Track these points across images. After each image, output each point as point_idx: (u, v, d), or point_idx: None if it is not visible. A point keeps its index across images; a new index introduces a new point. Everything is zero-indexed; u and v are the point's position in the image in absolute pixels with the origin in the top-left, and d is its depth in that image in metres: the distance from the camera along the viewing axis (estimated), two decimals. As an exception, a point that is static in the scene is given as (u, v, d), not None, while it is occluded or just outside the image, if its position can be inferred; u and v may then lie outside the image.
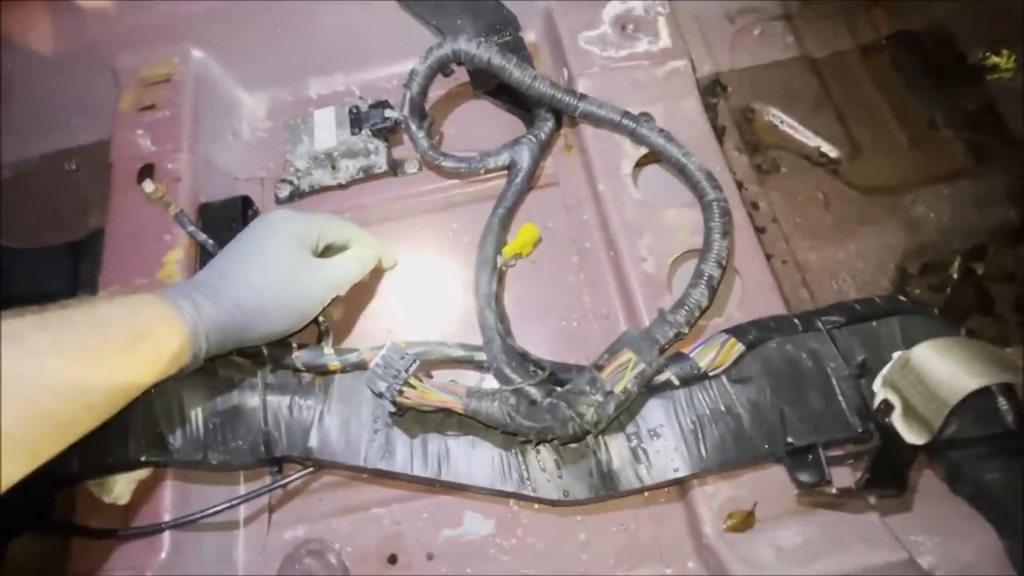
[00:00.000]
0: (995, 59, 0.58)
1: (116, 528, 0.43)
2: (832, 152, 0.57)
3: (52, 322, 0.31)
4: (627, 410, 0.43)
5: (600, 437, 0.43)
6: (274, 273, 0.41)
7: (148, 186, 0.54)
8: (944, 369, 0.39)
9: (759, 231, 0.54)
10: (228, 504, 0.45)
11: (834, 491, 0.39)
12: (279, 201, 0.60)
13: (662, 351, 0.43)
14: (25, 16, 0.61)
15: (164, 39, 0.61)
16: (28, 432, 0.29)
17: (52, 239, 0.63)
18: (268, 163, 0.63)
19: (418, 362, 0.41)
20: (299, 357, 0.46)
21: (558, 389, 0.43)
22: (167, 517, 0.44)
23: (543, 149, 0.57)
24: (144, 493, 0.44)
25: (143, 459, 0.42)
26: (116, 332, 0.33)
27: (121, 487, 0.43)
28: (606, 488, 0.42)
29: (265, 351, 0.45)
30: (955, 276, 0.51)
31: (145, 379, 0.34)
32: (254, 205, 0.58)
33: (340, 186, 0.60)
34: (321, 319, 0.49)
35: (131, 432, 0.42)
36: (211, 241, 0.53)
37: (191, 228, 0.53)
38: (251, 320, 0.40)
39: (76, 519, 0.44)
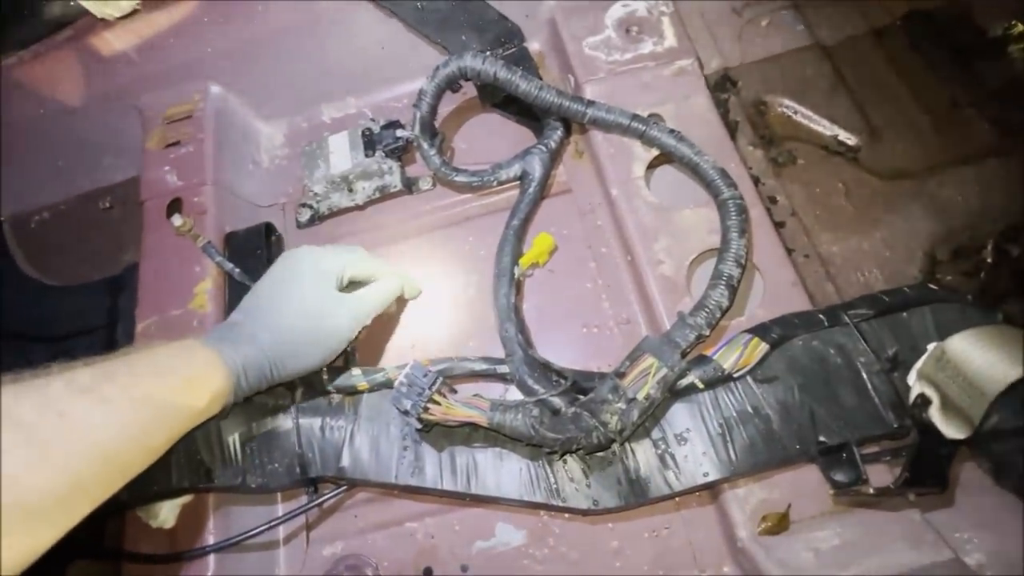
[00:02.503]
0: (1022, 28, 0.55)
1: (164, 553, 0.45)
2: (850, 140, 0.56)
3: (119, 372, 0.34)
4: (652, 416, 0.42)
5: (627, 444, 0.43)
6: (301, 313, 0.43)
7: (177, 220, 0.57)
8: (982, 359, 0.37)
9: (778, 226, 0.53)
10: (268, 525, 0.46)
11: (871, 490, 0.38)
12: (300, 225, 0.62)
13: (684, 354, 0.43)
14: (54, 65, 0.65)
15: (184, 78, 0.63)
16: (96, 476, 0.31)
17: (91, 275, 0.66)
18: (287, 189, 0.65)
19: (441, 379, 0.42)
20: (328, 379, 0.47)
21: (581, 398, 0.43)
22: (211, 540, 0.45)
23: (554, 158, 0.58)
24: (188, 517, 0.46)
25: (186, 485, 0.44)
26: (173, 378, 0.36)
27: (166, 512, 0.45)
28: (635, 495, 0.42)
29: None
30: (988, 260, 0.49)
31: (195, 420, 0.37)
32: (277, 231, 0.60)
33: (358, 207, 0.61)
34: (347, 340, 0.50)
35: (174, 461, 0.44)
36: (237, 270, 0.55)
37: (218, 258, 0.55)
38: (283, 358, 0.41)
39: (126, 544, 0.46)
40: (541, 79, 0.55)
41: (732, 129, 0.58)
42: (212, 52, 0.63)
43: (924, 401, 0.38)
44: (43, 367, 0.32)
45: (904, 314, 0.43)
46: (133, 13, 0.63)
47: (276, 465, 0.46)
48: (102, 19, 0.62)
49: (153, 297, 0.55)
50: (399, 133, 0.58)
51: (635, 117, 0.52)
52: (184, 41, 0.64)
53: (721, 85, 0.60)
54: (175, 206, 0.59)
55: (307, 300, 0.44)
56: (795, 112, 0.58)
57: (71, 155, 0.68)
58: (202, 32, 0.63)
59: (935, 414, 0.37)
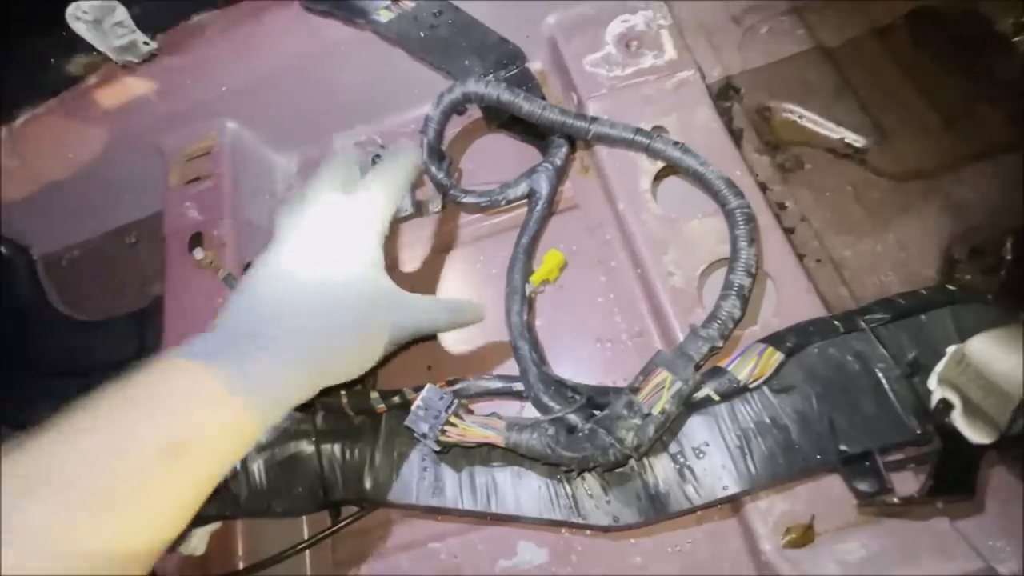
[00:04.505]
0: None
1: (196, 579, 0.47)
2: (857, 142, 0.55)
3: (53, 471, 0.24)
4: (669, 430, 0.42)
5: (645, 459, 0.43)
6: (358, 317, 0.35)
7: (199, 254, 0.59)
8: (1006, 360, 0.37)
9: (788, 232, 0.52)
10: (295, 549, 0.47)
11: (896, 499, 0.37)
12: (316, 252, 0.64)
13: (698, 367, 0.42)
14: (81, 112, 0.68)
15: (201, 116, 0.66)
16: None
17: (119, 309, 0.69)
18: (303, 217, 0.67)
19: (457, 401, 0.43)
20: (347, 402, 0.48)
21: (597, 413, 0.44)
22: (240, 565, 0.46)
23: (560, 174, 0.58)
24: (217, 543, 0.47)
25: (214, 513, 0.45)
26: (141, 454, 0.26)
27: (197, 540, 0.46)
28: (656, 511, 0.41)
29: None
30: (1008, 257, 0.48)
31: (197, 490, 0.28)
32: (293, 259, 0.62)
33: (371, 232, 0.63)
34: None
35: (201, 488, 0.45)
36: (257, 299, 0.56)
37: (239, 289, 0.57)
38: (327, 376, 0.35)
39: (158, 571, 0.47)
40: (544, 98, 0.56)
41: (737, 137, 0.58)
42: (227, 90, 0.65)
43: (946, 406, 0.37)
44: None
45: (922, 317, 0.42)
46: (152, 57, 0.66)
47: (300, 489, 0.47)
48: (123, 65, 0.65)
49: (178, 330, 0.57)
50: (408, 158, 0.60)
51: (639, 131, 0.52)
52: (201, 80, 0.66)
53: (724, 93, 0.60)
54: (196, 240, 0.61)
55: (353, 296, 0.34)
56: (800, 116, 0.58)
57: (98, 195, 0.72)
58: (218, 70, 0.66)
59: (958, 419, 0.37)
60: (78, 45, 0.62)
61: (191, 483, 0.28)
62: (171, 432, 0.27)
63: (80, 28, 0.59)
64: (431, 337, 0.49)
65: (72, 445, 0.25)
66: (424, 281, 0.60)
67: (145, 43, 0.64)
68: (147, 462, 0.26)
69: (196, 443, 0.27)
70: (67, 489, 0.24)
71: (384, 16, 0.62)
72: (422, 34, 0.61)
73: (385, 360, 0.41)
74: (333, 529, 0.49)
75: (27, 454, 0.25)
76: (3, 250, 0.73)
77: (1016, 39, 0.53)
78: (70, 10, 0.58)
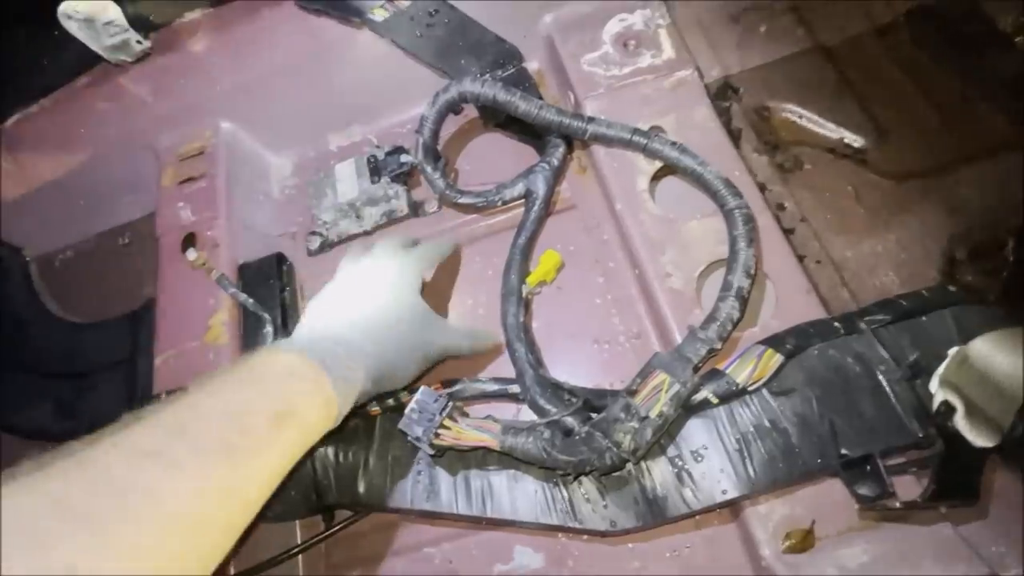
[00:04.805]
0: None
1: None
2: (857, 142, 0.55)
3: (188, 424, 0.29)
4: (667, 433, 0.42)
5: (642, 463, 0.42)
6: (406, 333, 0.45)
7: (191, 254, 0.58)
8: (1008, 362, 0.36)
9: (787, 232, 0.51)
10: (287, 554, 0.47)
11: (898, 504, 0.36)
12: (311, 253, 0.63)
13: (696, 369, 0.42)
14: (74, 111, 0.68)
15: (196, 116, 0.65)
16: (178, 550, 0.27)
17: (113, 311, 0.68)
18: (297, 217, 0.67)
19: (451, 404, 0.42)
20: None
21: (594, 416, 0.43)
22: (232, 571, 0.46)
23: (557, 175, 0.58)
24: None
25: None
26: (255, 418, 0.31)
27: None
28: (653, 515, 0.41)
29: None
30: (1010, 257, 0.47)
31: (293, 457, 0.33)
32: (288, 260, 0.61)
33: (366, 233, 0.62)
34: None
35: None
36: (251, 300, 0.56)
37: (232, 290, 0.56)
38: (381, 381, 0.42)
39: None
40: (541, 98, 0.55)
41: (735, 137, 0.57)
42: (221, 89, 0.65)
43: (948, 409, 0.37)
44: (93, 435, 0.28)
45: (924, 318, 0.42)
46: (145, 57, 0.65)
47: (293, 493, 0.47)
48: (117, 64, 0.65)
49: (170, 331, 0.56)
50: (403, 159, 0.59)
51: (636, 131, 0.51)
52: (195, 80, 0.66)
53: (722, 93, 0.60)
54: (189, 240, 0.60)
55: (405, 318, 0.45)
56: (799, 116, 0.58)
57: (91, 196, 0.71)
58: (211, 70, 0.66)
59: (960, 422, 0.36)
60: (70, 44, 0.61)
61: (289, 451, 0.33)
62: (281, 403, 0.33)
63: (72, 27, 0.59)
64: (456, 359, 0.52)
65: (204, 406, 0.31)
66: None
67: (138, 42, 0.63)
68: (262, 425, 0.31)
69: (297, 415, 0.33)
70: (204, 437, 0.29)
71: (379, 15, 0.61)
72: (418, 33, 0.61)
73: (418, 378, 0.48)
74: (327, 533, 0.48)
75: (176, 407, 0.30)
76: (-4, 251, 0.73)
77: (1017, 38, 0.53)
78: (62, 9, 0.57)
